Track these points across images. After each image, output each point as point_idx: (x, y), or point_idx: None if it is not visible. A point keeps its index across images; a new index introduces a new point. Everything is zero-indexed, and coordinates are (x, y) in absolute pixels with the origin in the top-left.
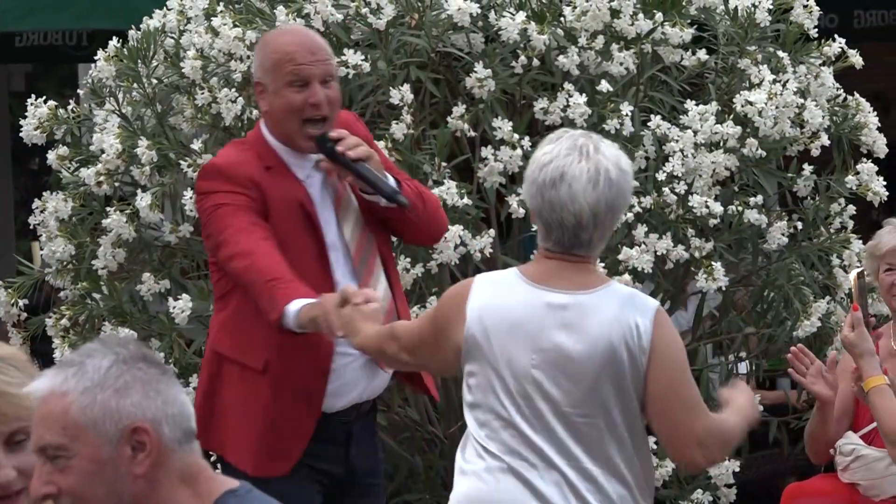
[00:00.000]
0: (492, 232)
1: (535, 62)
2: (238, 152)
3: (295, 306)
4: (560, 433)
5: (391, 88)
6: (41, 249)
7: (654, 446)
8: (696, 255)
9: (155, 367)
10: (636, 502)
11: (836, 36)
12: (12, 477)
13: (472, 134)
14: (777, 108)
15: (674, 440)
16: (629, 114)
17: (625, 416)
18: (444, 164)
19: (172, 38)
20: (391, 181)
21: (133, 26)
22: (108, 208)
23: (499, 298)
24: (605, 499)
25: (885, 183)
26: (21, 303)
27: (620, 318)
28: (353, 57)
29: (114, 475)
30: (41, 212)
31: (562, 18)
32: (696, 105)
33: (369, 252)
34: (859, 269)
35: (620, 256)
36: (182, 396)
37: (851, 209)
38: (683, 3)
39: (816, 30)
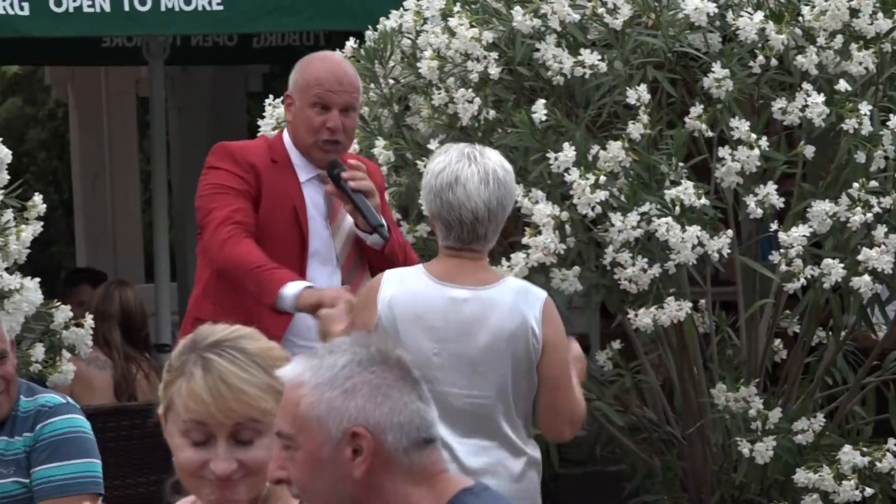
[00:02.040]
0: (729, 232)
1: (773, 62)
2: (251, 142)
3: (292, 290)
4: (459, 415)
5: (628, 88)
6: None
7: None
8: None
9: (391, 372)
10: (528, 472)
11: None
12: (230, 470)
13: (710, 134)
14: None
15: (551, 419)
16: (868, 113)
17: (518, 398)
18: (681, 163)
19: (409, 38)
20: (381, 220)
21: (370, 27)
22: None
23: (406, 291)
24: (501, 472)
25: None
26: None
27: (515, 311)
28: (589, 57)
29: (333, 474)
30: None
31: (800, 18)
32: None
33: (356, 269)
34: None
35: (860, 257)
36: (416, 404)
37: None
38: None
39: None
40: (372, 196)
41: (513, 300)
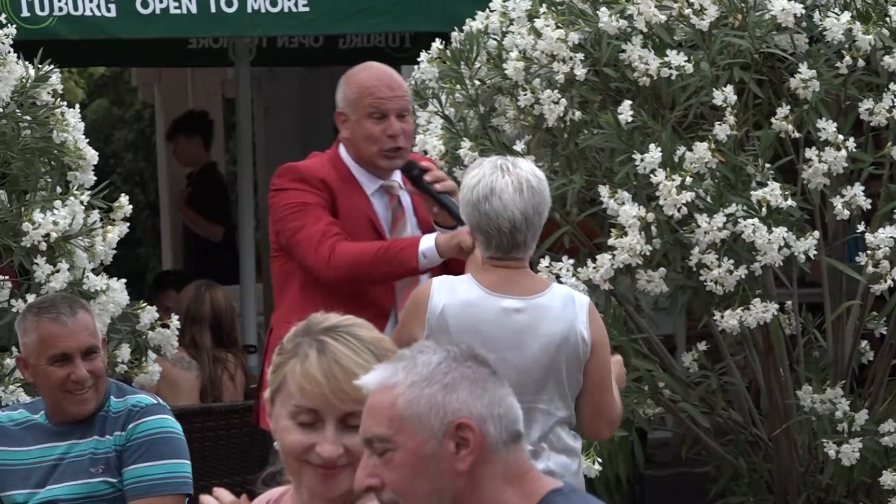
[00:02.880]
0: (816, 234)
1: (861, 62)
2: (314, 160)
3: (427, 243)
4: None
5: (714, 89)
6: None
7: None
8: None
9: (484, 367)
10: (578, 469)
11: None
12: (337, 454)
13: (797, 135)
14: None
15: (594, 418)
16: None
17: (565, 400)
18: (767, 165)
19: (495, 39)
20: None
21: (455, 28)
22: None
23: (458, 301)
24: (562, 475)
25: None
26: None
27: (564, 318)
28: (675, 58)
29: (436, 470)
30: None
31: (887, 18)
32: None
33: (412, 279)
34: None
35: None
36: (510, 398)
37: None
38: None
39: None
40: (455, 194)
41: (561, 307)
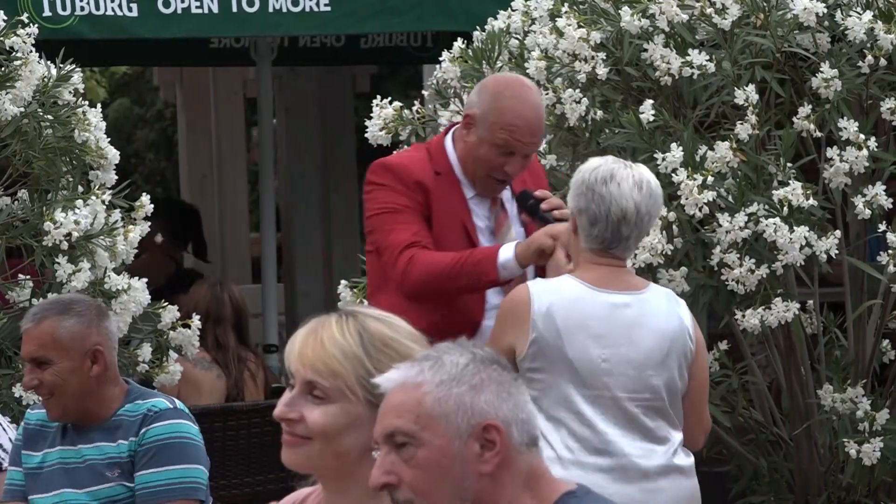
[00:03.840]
0: (837, 233)
1: (882, 62)
2: (409, 154)
3: (507, 253)
4: (626, 420)
5: (736, 89)
6: None
7: None
8: None
9: (507, 372)
10: (693, 469)
11: None
12: (280, 411)
13: (818, 134)
14: None
15: (694, 427)
16: None
17: (676, 397)
18: (789, 164)
19: (517, 38)
20: None
21: (477, 27)
22: None
23: (565, 300)
24: (674, 472)
25: None
26: (366, 302)
27: (671, 313)
28: (697, 57)
29: (460, 471)
30: None
31: None
32: None
33: (519, 280)
34: None
35: None
36: (531, 405)
37: None
38: None
39: None
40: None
41: (667, 303)
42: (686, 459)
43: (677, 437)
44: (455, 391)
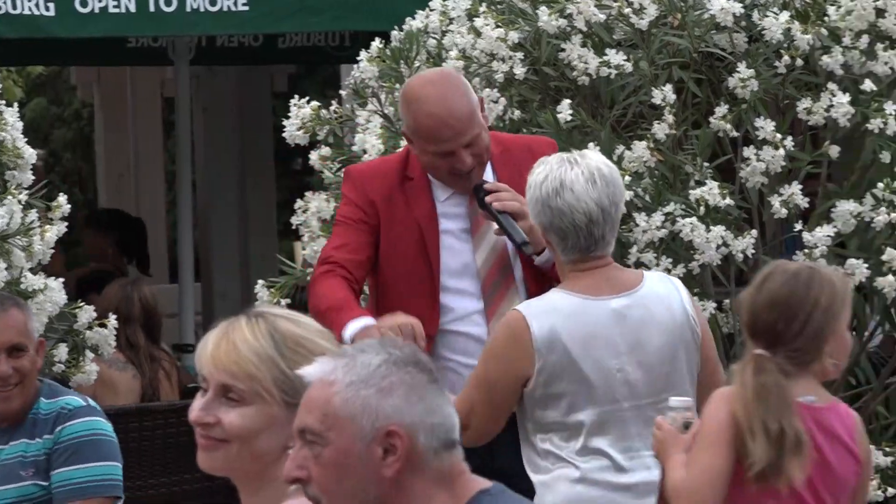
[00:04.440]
0: (754, 233)
1: (799, 62)
2: (381, 163)
3: (349, 331)
4: (644, 426)
5: (653, 88)
6: (303, 249)
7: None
8: None
9: (425, 374)
10: None
11: None
12: (195, 416)
13: (735, 134)
14: None
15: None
16: (893, 113)
17: (693, 386)
18: (705, 164)
19: (435, 38)
20: (525, 237)
21: (395, 27)
22: None
23: (566, 317)
24: None
25: None
26: (283, 302)
27: (671, 302)
28: (615, 57)
29: (361, 473)
30: (303, 212)
31: (826, 18)
32: None
33: (502, 281)
34: None
35: (884, 257)
36: (447, 408)
37: None
38: None
39: None
40: (522, 218)
41: (665, 291)
42: None
43: None
44: (363, 393)
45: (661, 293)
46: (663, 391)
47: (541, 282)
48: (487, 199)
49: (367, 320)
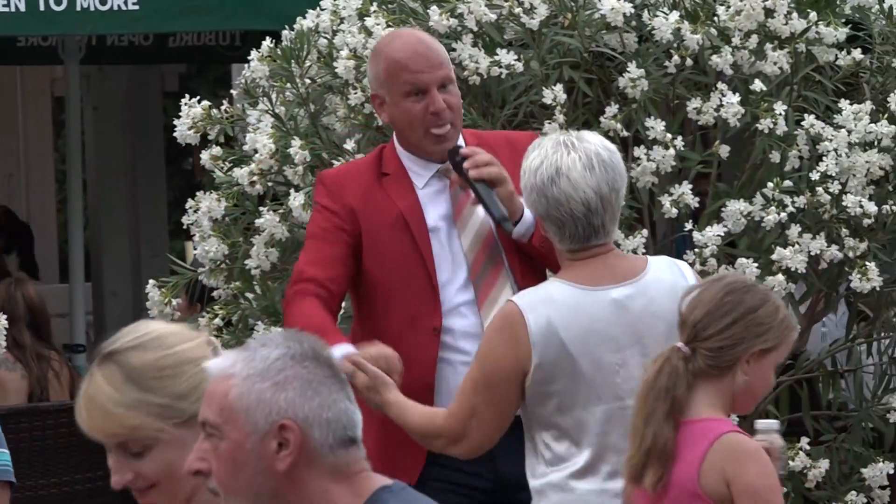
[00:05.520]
0: (644, 232)
1: (689, 62)
2: (354, 164)
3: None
4: None
5: (544, 88)
6: (194, 249)
7: (808, 447)
8: (851, 255)
9: (323, 369)
10: None
11: None
12: (121, 482)
13: (625, 134)
14: None
15: None
16: (783, 113)
17: None
18: None
19: (326, 38)
20: (504, 211)
21: (286, 26)
22: (261, 208)
23: (563, 309)
24: None
25: None
26: (175, 302)
27: (676, 288)
28: (506, 57)
29: (255, 466)
30: (194, 212)
31: (715, 18)
32: (851, 104)
33: (490, 266)
34: None
35: (774, 256)
36: (344, 403)
37: None
38: (838, 3)
39: None
40: (501, 183)
41: (670, 278)
42: None
43: None
44: (258, 387)
45: (666, 280)
46: None
47: (530, 268)
48: (465, 164)
49: (343, 349)
